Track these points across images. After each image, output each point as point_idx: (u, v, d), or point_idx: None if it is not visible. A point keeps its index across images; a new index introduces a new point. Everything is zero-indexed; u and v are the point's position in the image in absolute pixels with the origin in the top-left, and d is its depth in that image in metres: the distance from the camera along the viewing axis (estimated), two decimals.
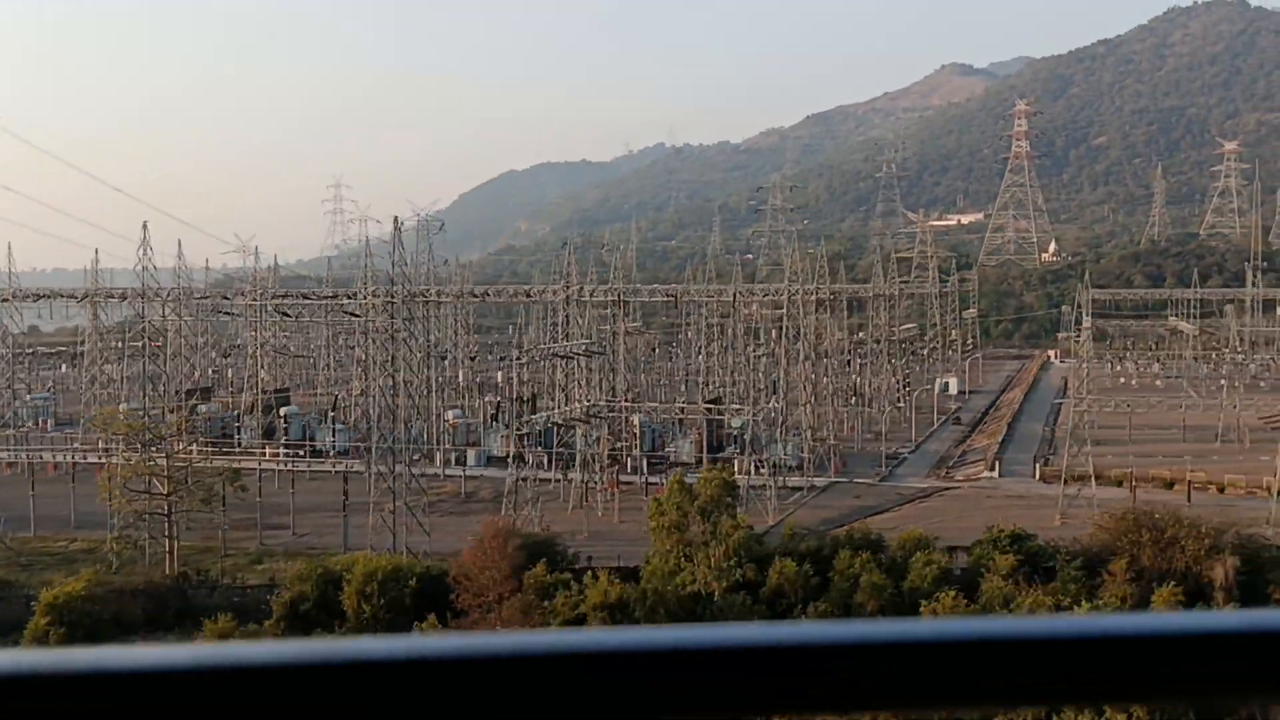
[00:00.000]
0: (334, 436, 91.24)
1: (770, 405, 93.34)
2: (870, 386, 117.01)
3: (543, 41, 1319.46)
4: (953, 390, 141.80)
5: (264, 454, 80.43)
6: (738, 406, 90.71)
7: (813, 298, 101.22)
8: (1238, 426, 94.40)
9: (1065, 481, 70.97)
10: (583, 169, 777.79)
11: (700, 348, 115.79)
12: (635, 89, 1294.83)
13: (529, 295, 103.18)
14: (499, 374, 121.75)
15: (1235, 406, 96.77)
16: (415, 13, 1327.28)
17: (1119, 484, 74.11)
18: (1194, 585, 46.69)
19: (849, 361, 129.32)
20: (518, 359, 75.74)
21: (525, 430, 73.84)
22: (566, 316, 79.21)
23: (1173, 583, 43.54)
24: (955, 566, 47.27)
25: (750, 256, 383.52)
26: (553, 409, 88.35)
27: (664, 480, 77.52)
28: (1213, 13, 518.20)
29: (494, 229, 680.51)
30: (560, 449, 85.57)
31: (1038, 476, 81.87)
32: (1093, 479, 68.96)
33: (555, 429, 76.59)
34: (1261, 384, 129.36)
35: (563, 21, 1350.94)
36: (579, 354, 76.29)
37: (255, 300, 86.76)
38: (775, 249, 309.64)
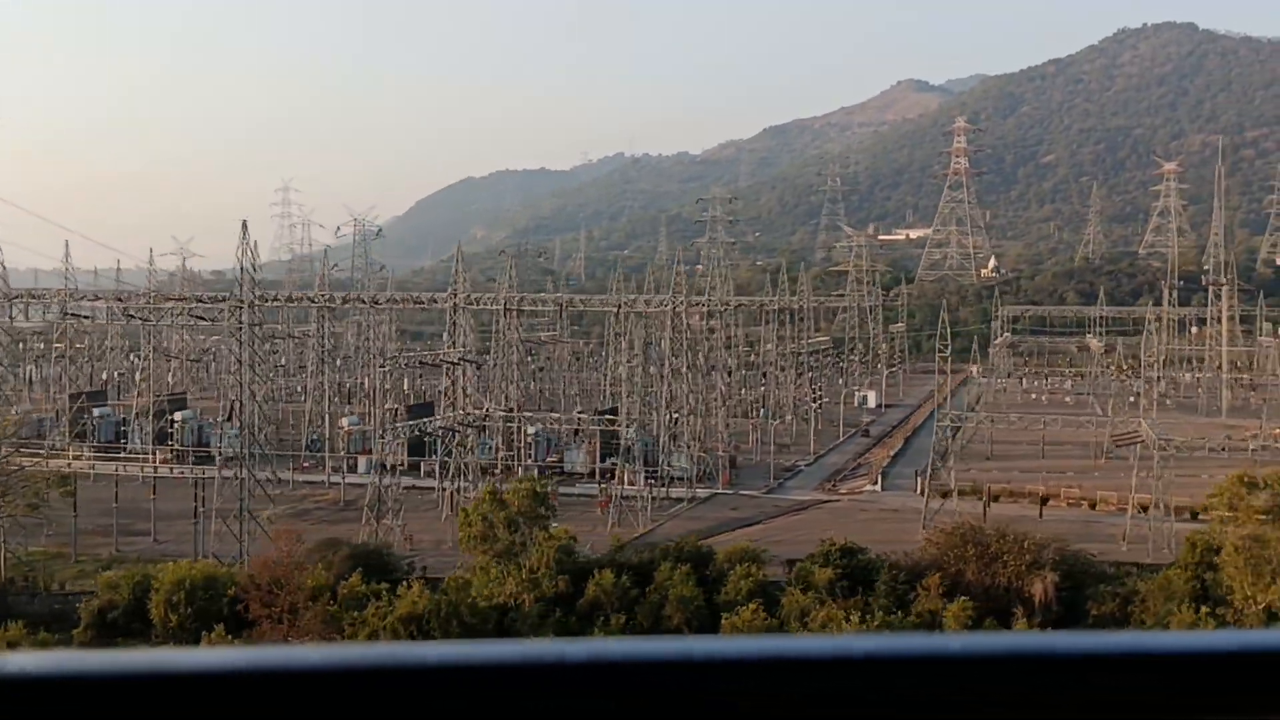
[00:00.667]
0: (223, 442, 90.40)
1: (667, 416, 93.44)
2: (774, 399, 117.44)
3: (506, 50, 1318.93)
4: (871, 403, 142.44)
5: (120, 457, 79.60)
6: (635, 417, 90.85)
7: (699, 309, 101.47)
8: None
9: (933, 496, 71.56)
10: (541, 177, 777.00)
11: (616, 358, 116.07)
12: (597, 99, 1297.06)
13: (421, 303, 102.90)
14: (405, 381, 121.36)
15: (1123, 423, 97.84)
16: (378, 20, 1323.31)
17: (996, 499, 74.88)
18: (1014, 600, 47.18)
19: (763, 374, 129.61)
20: (381, 366, 75.35)
21: (396, 439, 73.49)
22: (454, 323, 78.96)
23: (964, 597, 44.01)
24: (781, 580, 47.45)
25: (700, 267, 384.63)
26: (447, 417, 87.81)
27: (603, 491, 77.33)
28: (1162, 34, 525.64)
29: (451, 235, 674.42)
30: (446, 458, 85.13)
31: (919, 490, 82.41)
32: (955, 494, 69.56)
33: (442, 436, 76.34)
34: (1168, 401, 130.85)
35: (526, 30, 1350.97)
36: (450, 362, 75.98)
37: (110, 304, 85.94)
38: (728, 260, 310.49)
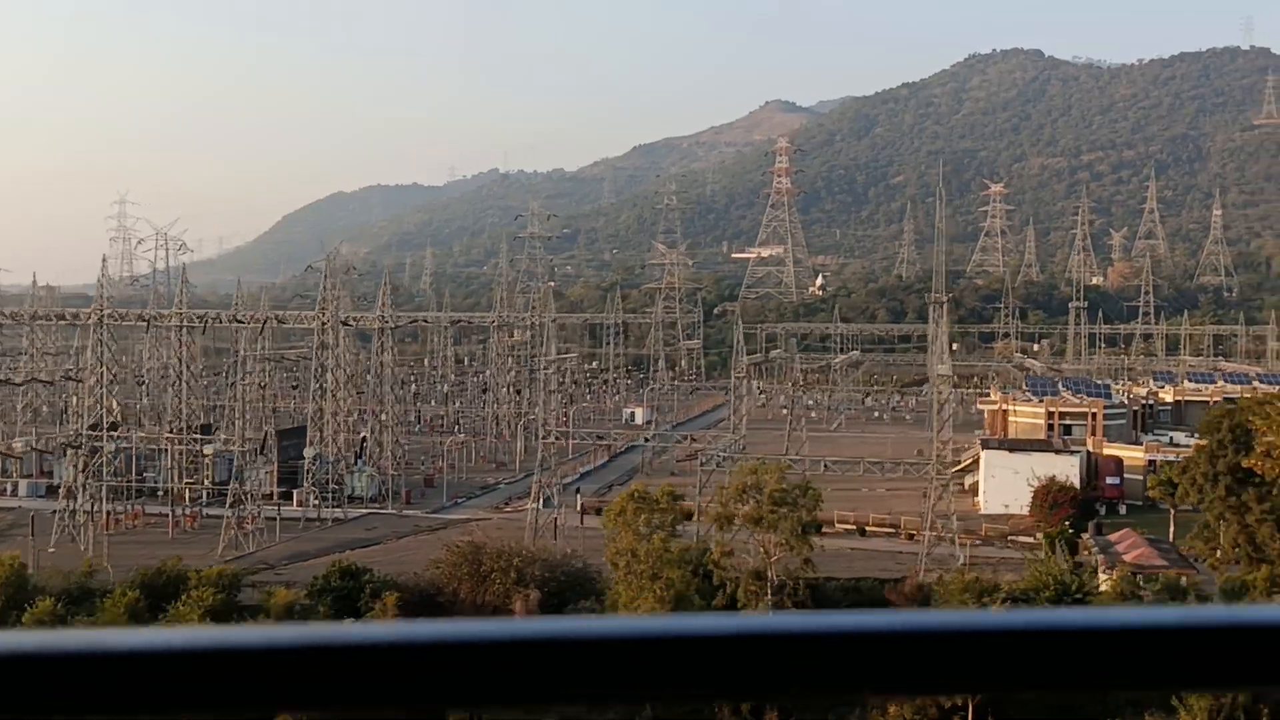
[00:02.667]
0: None
1: (360, 435, 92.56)
2: (494, 414, 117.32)
3: (383, 64, 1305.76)
4: (639, 420, 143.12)
5: None
6: (326, 437, 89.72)
7: (389, 325, 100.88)
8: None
9: (588, 512, 71.94)
10: (413, 192, 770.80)
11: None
12: (474, 115, 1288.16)
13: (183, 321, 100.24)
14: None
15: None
16: (249, 32, 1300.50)
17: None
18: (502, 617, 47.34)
19: (519, 391, 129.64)
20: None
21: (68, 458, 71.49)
22: (99, 340, 77.31)
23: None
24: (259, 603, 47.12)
25: (553, 284, 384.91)
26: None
27: (233, 513, 75.61)
28: (1009, 60, 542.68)
29: (316, 251, 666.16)
30: (138, 479, 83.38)
31: (578, 508, 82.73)
32: (582, 513, 69.95)
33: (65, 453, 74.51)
34: (907, 418, 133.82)
35: (405, 45, 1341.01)
36: (72, 379, 74.29)
37: None
38: (551, 278, 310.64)
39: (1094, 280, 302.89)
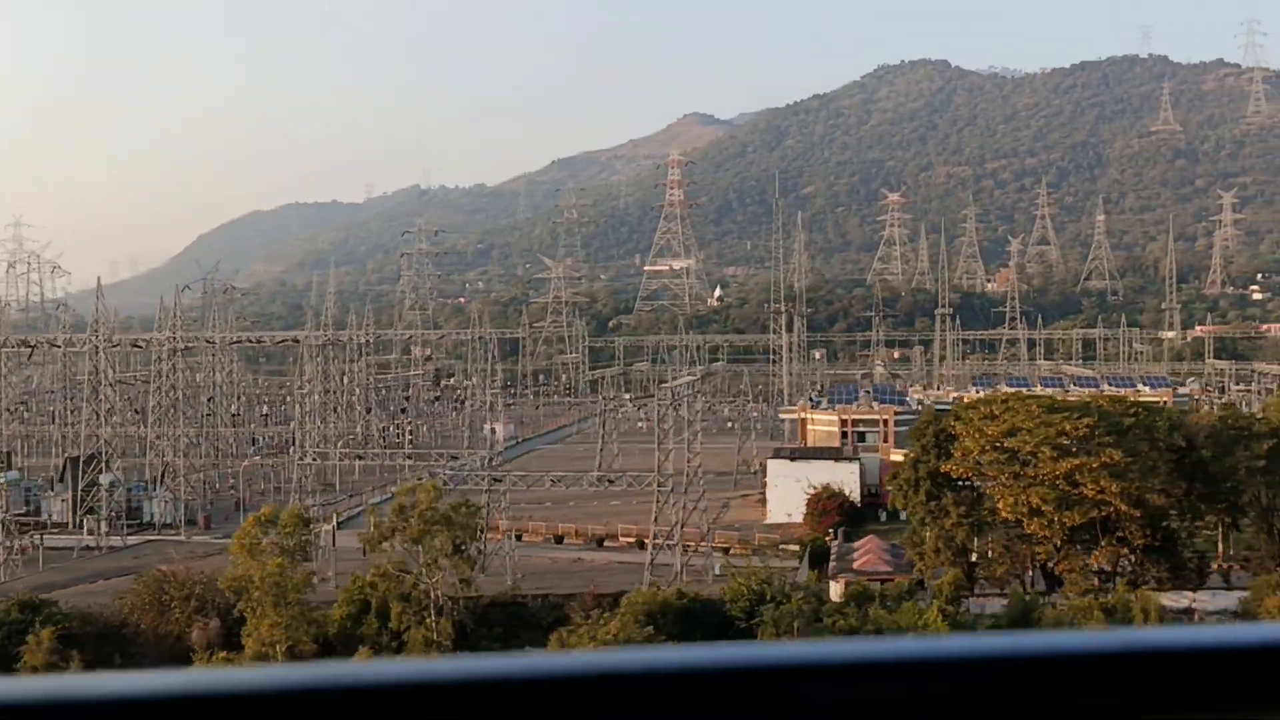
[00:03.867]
0: None
1: (152, 459, 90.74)
2: (323, 434, 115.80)
3: (301, 80, 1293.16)
4: (499, 435, 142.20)
5: None
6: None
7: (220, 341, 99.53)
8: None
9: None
10: (332, 210, 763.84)
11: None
12: (395, 131, 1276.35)
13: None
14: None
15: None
16: (166, 47, 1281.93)
17: (518, 538, 75.76)
18: (183, 646, 46.43)
19: (368, 410, 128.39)
20: None
21: None
22: None
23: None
24: None
25: (464, 300, 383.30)
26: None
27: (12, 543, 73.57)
28: (917, 71, 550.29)
29: (230, 270, 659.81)
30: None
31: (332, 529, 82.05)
32: (334, 534, 68.89)
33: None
34: (759, 427, 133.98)
35: (327, 62, 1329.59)
36: None
37: None
38: (438, 294, 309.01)
39: (990, 286, 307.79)
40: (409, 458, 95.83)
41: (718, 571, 65.58)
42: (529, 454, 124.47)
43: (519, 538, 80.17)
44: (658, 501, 57.98)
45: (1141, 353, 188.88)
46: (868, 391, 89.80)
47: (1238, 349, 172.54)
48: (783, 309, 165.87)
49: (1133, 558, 52.76)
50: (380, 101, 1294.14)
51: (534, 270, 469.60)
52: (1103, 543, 49.25)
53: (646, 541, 72.04)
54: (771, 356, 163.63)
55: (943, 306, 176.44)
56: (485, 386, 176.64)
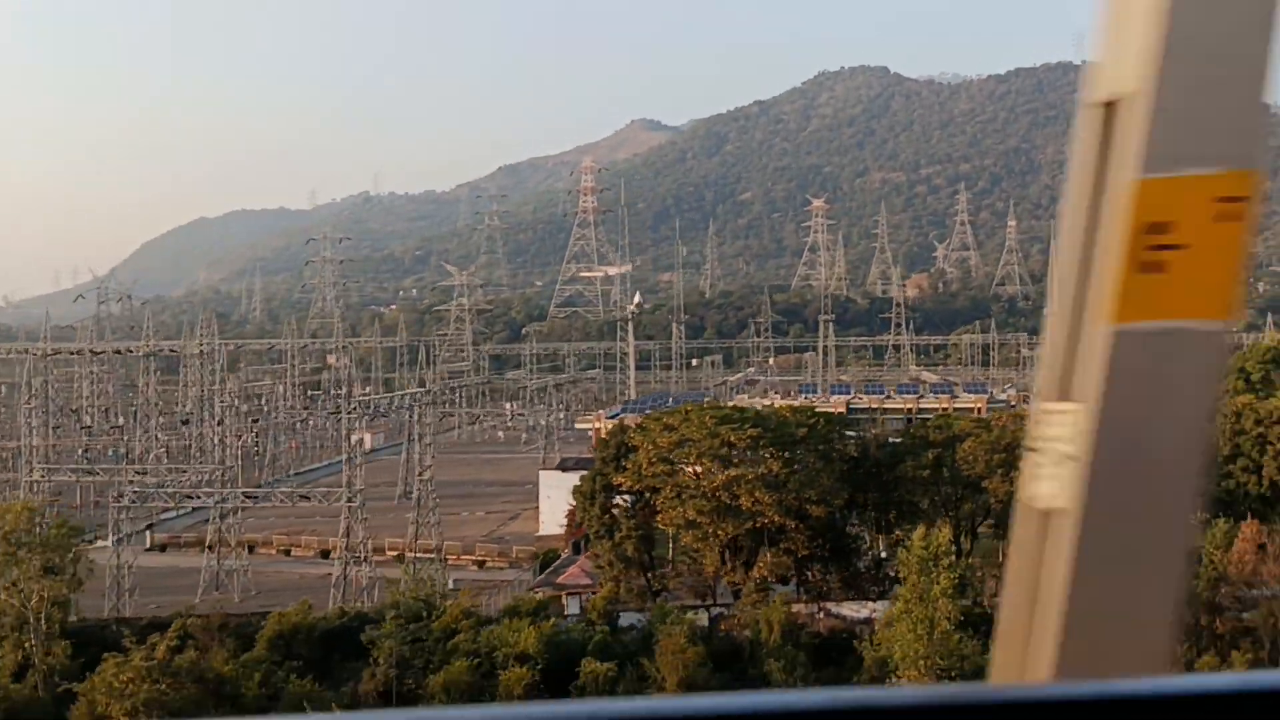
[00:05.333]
0: None
1: None
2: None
3: (255, 86, 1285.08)
4: (367, 445, 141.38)
5: None
6: None
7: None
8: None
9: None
10: (279, 216, 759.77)
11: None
12: (343, 137, 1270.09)
13: None
14: None
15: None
16: (106, 52, 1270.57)
17: (287, 551, 75.65)
18: None
19: (185, 422, 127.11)
20: None
21: None
22: None
23: None
24: None
25: (393, 307, 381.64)
26: None
27: None
28: (856, 77, 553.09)
29: (174, 278, 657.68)
30: None
31: (149, 544, 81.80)
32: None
33: None
34: (572, 439, 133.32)
35: (277, 67, 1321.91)
36: None
37: None
38: (343, 301, 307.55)
39: (910, 291, 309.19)
40: (140, 473, 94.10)
41: (451, 586, 65.34)
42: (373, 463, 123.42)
43: (288, 553, 79.70)
44: (346, 515, 57.67)
45: (1029, 358, 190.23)
46: (671, 400, 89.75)
47: None
48: (680, 317, 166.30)
49: (817, 568, 52.91)
50: (331, 108, 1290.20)
51: (473, 278, 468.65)
52: (767, 554, 49.28)
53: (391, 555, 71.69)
54: (619, 364, 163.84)
55: (825, 313, 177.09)
56: (376, 394, 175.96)
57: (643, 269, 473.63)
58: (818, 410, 60.82)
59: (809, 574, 52.09)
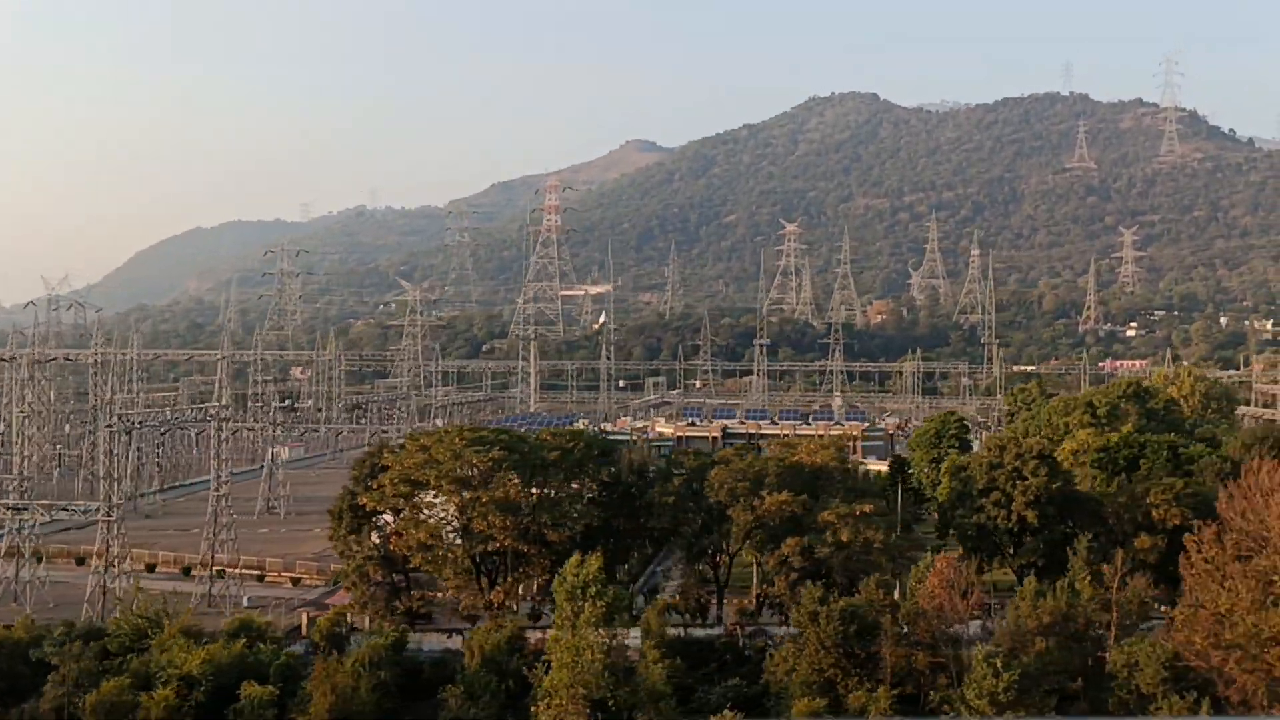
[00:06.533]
0: None
1: None
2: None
3: (253, 99, 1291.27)
4: (284, 459, 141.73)
5: None
6: None
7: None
8: None
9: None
10: (274, 228, 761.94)
11: None
12: (343, 150, 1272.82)
13: None
14: None
15: None
16: (106, 57, 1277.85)
17: (151, 567, 75.78)
18: None
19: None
20: None
21: None
22: None
23: None
24: None
25: (367, 322, 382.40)
26: None
27: None
28: (845, 103, 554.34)
29: (166, 286, 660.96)
30: None
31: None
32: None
33: None
34: None
35: (279, 79, 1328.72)
36: None
37: None
38: (305, 311, 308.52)
39: (873, 318, 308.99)
40: None
41: (246, 604, 65.52)
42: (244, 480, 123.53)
43: (151, 569, 79.83)
44: (102, 531, 57.55)
45: (969, 387, 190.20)
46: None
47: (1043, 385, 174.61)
48: (610, 339, 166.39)
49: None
50: (331, 121, 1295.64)
51: (460, 292, 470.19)
52: (506, 577, 49.12)
53: (194, 571, 71.78)
54: (516, 381, 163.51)
55: (760, 337, 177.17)
56: (330, 408, 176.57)
57: (624, 289, 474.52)
58: (611, 435, 60.74)
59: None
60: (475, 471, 49.60)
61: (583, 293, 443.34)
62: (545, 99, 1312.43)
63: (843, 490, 52.31)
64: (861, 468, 67.26)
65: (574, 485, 51.92)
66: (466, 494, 48.93)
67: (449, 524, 50.09)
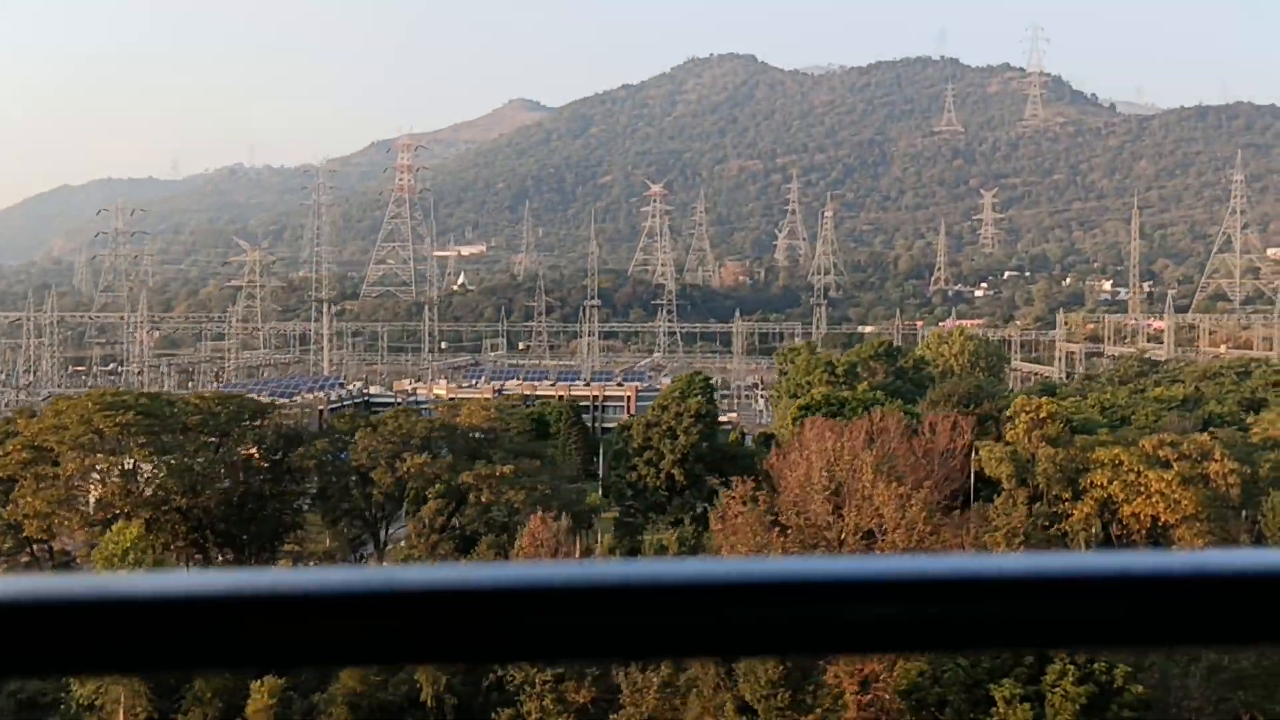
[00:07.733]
0: None
1: None
2: None
3: (124, 53, 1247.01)
4: None
5: None
6: None
7: None
8: None
9: None
10: (146, 186, 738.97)
11: None
12: (218, 108, 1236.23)
13: None
14: None
15: None
16: None
17: None
18: None
19: None
20: None
21: None
22: None
23: None
24: None
25: (212, 284, 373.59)
26: None
27: None
28: (724, 64, 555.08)
29: (30, 246, 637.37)
30: None
31: None
32: None
33: None
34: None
35: (146, 34, 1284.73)
36: None
37: None
38: (136, 272, 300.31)
39: (727, 279, 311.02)
40: None
41: None
42: None
43: None
44: None
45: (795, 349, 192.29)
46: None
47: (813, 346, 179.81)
48: (434, 300, 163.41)
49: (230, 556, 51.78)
50: (203, 73, 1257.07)
51: (323, 254, 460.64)
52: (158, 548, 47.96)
53: None
54: (313, 346, 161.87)
55: (591, 298, 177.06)
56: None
57: (498, 249, 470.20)
58: (375, 398, 59.42)
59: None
60: (102, 437, 48.35)
61: (455, 254, 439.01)
62: (430, 55, 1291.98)
63: (503, 453, 52.29)
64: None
65: (219, 451, 50.95)
66: (87, 459, 47.65)
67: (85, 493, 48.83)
